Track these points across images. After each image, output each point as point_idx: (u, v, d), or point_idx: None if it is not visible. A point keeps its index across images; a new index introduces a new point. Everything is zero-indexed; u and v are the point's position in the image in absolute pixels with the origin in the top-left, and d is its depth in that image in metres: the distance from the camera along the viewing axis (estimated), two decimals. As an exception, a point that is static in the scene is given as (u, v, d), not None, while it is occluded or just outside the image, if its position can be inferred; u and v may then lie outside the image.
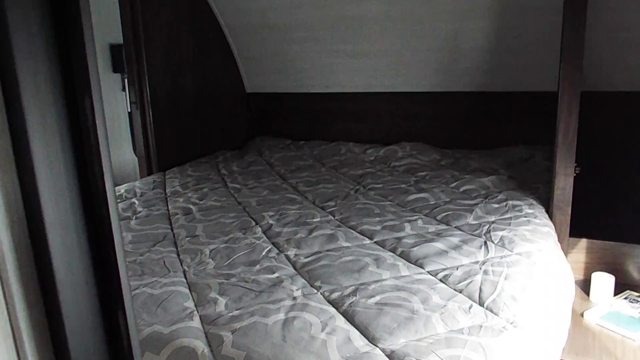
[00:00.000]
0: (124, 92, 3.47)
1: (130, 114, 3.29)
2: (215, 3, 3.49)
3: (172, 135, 3.34)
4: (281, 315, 1.37)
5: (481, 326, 1.30)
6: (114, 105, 3.46)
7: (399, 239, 1.94)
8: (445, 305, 1.39)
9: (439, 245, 1.83)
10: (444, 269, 1.65)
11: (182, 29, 3.34)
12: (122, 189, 2.85)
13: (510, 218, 2.12)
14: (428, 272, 1.64)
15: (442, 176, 2.82)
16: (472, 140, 3.37)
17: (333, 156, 3.46)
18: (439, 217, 2.18)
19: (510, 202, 2.29)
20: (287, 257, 1.83)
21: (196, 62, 3.49)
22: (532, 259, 1.73)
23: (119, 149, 3.57)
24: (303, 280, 1.62)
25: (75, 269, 0.47)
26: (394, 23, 3.11)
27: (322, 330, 1.30)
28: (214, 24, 3.58)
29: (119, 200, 2.66)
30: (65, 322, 0.47)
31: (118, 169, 3.59)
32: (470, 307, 1.39)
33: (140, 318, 1.44)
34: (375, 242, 1.95)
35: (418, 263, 1.70)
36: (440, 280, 1.58)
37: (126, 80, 3.20)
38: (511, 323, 1.34)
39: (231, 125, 3.90)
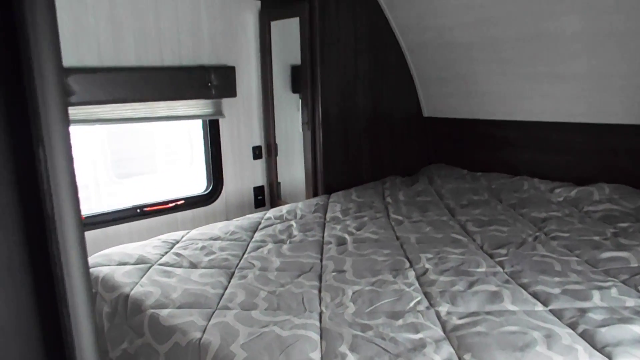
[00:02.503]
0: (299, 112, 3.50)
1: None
2: (396, 21, 3.34)
3: (341, 157, 3.27)
4: (413, 395, 1.13)
5: None
6: (289, 124, 3.51)
7: (583, 311, 1.54)
8: None
9: (639, 329, 1.40)
10: (643, 368, 1.24)
11: (359, 49, 3.26)
12: (284, 209, 2.84)
13: None
14: (619, 367, 1.25)
15: (651, 230, 2.26)
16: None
17: (513, 192, 3.05)
18: (642, 287, 1.71)
19: None
20: (438, 313, 1.57)
21: (372, 83, 3.38)
22: None
23: (291, 166, 3.62)
24: (450, 349, 1.35)
25: None
26: (597, 41, 2.62)
27: None
28: (393, 43, 3.44)
29: (278, 221, 2.64)
30: None
31: (289, 186, 3.64)
32: None
33: (261, 363, 1.32)
34: (550, 310, 1.58)
35: (606, 351, 1.31)
36: (637, 384, 1.18)
37: (300, 101, 3.21)
38: None
39: (404, 150, 3.70)
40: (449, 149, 3.76)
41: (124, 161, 4.34)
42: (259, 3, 3.42)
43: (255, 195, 3.59)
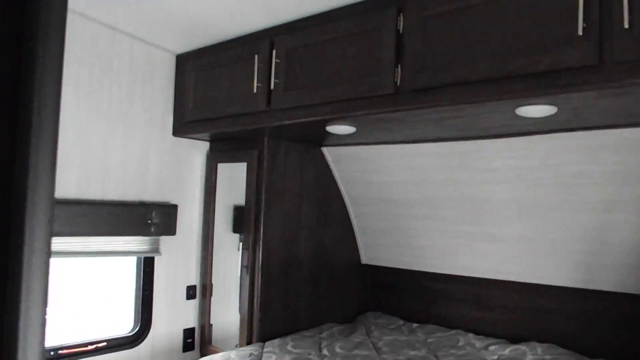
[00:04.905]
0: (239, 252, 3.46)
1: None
2: (340, 174, 3.51)
3: (279, 304, 3.19)
4: None
5: None
6: (227, 264, 3.46)
7: None
8: None
9: None
10: None
11: (304, 197, 3.35)
12: (217, 358, 2.68)
13: None
14: None
15: (585, 400, 2.28)
16: (622, 350, 2.79)
17: (450, 348, 3.04)
18: None
19: None
20: None
21: (314, 230, 3.43)
22: None
23: (225, 308, 3.49)
24: None
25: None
26: (527, 209, 2.84)
27: None
28: (336, 194, 3.57)
29: (209, 375, 2.47)
30: None
31: (221, 329, 3.47)
32: None
33: None
34: None
35: None
36: None
37: (241, 244, 3.19)
38: None
39: (343, 297, 3.68)
40: (386, 297, 3.78)
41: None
42: (207, 144, 3.51)
43: (185, 338, 3.39)
